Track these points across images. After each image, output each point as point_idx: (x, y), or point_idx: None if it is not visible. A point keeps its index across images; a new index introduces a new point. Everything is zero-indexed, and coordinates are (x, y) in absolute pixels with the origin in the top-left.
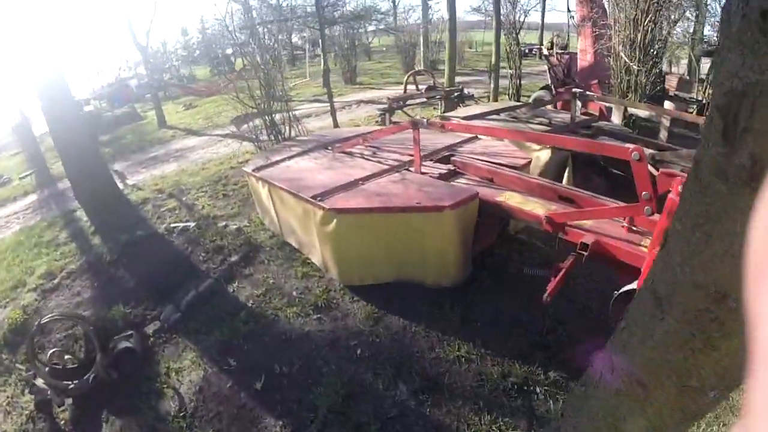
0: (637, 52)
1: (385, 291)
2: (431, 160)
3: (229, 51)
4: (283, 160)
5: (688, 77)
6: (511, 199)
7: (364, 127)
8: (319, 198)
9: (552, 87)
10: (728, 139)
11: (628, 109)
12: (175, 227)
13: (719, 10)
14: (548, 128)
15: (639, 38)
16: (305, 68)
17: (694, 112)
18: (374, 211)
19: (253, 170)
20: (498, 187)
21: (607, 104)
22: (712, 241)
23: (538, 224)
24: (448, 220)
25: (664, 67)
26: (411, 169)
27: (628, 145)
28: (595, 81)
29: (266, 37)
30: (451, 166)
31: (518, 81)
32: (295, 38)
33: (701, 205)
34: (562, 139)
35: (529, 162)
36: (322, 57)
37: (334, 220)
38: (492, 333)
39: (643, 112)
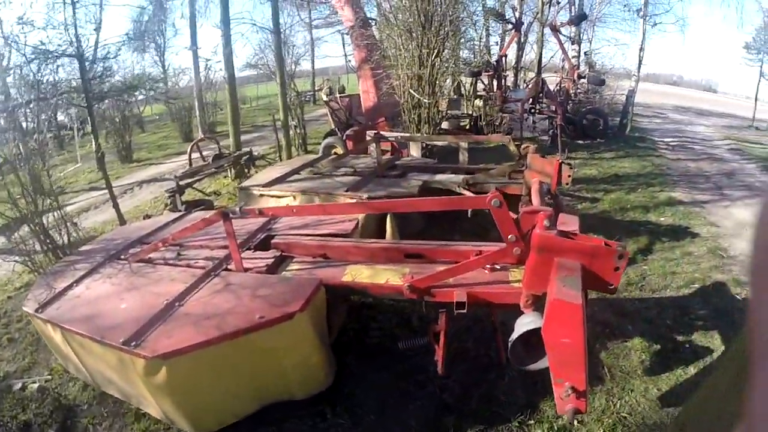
0: (426, 87)
1: (251, 424)
2: (248, 248)
3: None
4: (69, 288)
5: (455, 96)
6: (359, 274)
7: (156, 218)
8: (133, 343)
9: (337, 131)
10: None
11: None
12: None
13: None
14: (357, 177)
15: (426, 74)
16: (75, 150)
17: (467, 125)
18: (211, 344)
19: (37, 310)
20: (337, 262)
21: (403, 141)
22: None
23: (399, 294)
24: (300, 325)
25: None
26: (230, 267)
27: (483, 196)
28: (382, 119)
29: (26, 121)
30: (275, 252)
31: (303, 131)
32: (60, 116)
33: None
34: (418, 202)
35: (358, 222)
36: (93, 138)
37: (163, 369)
38: (391, 417)
39: (440, 142)
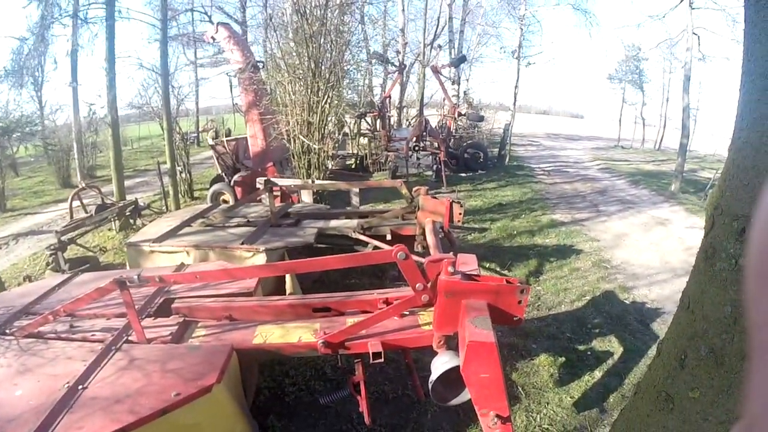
0: (316, 133)
1: None
2: (147, 315)
3: None
4: None
5: (339, 136)
6: (270, 335)
7: (40, 282)
8: None
9: (224, 176)
10: None
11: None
12: None
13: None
14: (251, 228)
15: (315, 120)
16: None
17: (353, 164)
18: (128, 430)
19: None
20: (244, 323)
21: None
22: None
23: (314, 351)
24: (219, 396)
25: None
26: (132, 338)
27: (388, 250)
28: (270, 164)
29: None
30: (177, 317)
31: (189, 176)
32: None
33: None
34: (323, 261)
35: (259, 279)
36: None
37: None
38: None
39: (330, 187)
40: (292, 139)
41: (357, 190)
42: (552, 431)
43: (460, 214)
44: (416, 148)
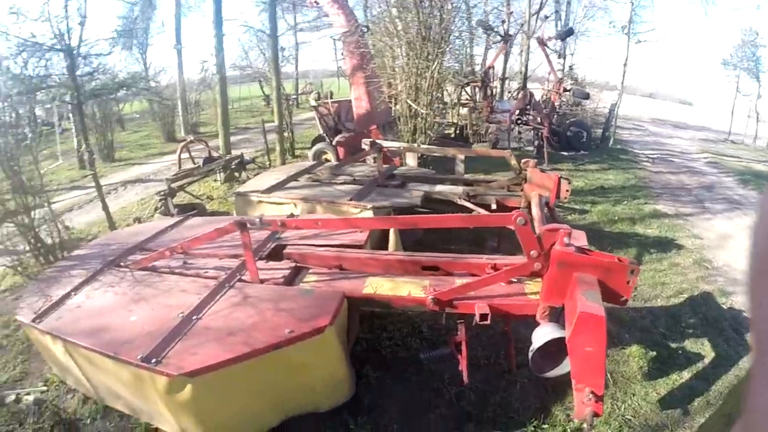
0: (424, 98)
1: None
2: (260, 258)
3: None
4: (68, 296)
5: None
6: (380, 286)
7: (151, 223)
8: (153, 360)
9: (325, 136)
10: None
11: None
12: None
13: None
14: (357, 186)
15: (424, 85)
16: (55, 147)
17: (453, 134)
18: (240, 361)
19: (34, 320)
20: (354, 274)
21: (403, 151)
22: None
23: (421, 306)
24: (330, 338)
25: None
26: (245, 277)
27: (508, 215)
28: (374, 126)
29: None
30: (289, 262)
31: (291, 135)
32: (38, 111)
33: None
34: (442, 218)
35: (370, 233)
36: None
37: (189, 387)
38: (413, 427)
39: (439, 153)
40: (398, 103)
41: (462, 157)
42: (634, 423)
43: (567, 191)
44: (519, 121)
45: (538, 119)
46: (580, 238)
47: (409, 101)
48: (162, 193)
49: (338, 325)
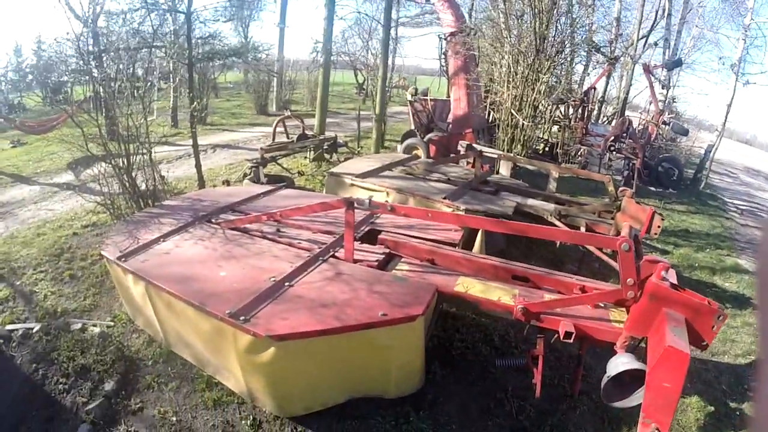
0: (526, 109)
1: (335, 415)
2: (354, 240)
3: (65, 78)
4: (156, 241)
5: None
6: (471, 287)
7: (243, 187)
8: (242, 317)
9: (416, 132)
10: None
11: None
12: (12, 331)
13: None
14: (452, 186)
15: (530, 96)
16: (152, 103)
17: (542, 150)
18: (329, 333)
19: (119, 258)
20: (445, 270)
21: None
22: None
23: (508, 314)
24: (419, 328)
25: None
26: (338, 254)
27: (614, 238)
28: (469, 130)
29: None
30: (382, 248)
31: (384, 125)
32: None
33: None
34: (550, 231)
35: (464, 233)
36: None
37: (272, 349)
38: (471, 430)
39: (533, 167)
40: (500, 111)
41: (557, 174)
42: None
43: (659, 227)
44: (612, 148)
45: (633, 148)
46: (672, 276)
47: (513, 110)
48: (254, 161)
49: (426, 317)
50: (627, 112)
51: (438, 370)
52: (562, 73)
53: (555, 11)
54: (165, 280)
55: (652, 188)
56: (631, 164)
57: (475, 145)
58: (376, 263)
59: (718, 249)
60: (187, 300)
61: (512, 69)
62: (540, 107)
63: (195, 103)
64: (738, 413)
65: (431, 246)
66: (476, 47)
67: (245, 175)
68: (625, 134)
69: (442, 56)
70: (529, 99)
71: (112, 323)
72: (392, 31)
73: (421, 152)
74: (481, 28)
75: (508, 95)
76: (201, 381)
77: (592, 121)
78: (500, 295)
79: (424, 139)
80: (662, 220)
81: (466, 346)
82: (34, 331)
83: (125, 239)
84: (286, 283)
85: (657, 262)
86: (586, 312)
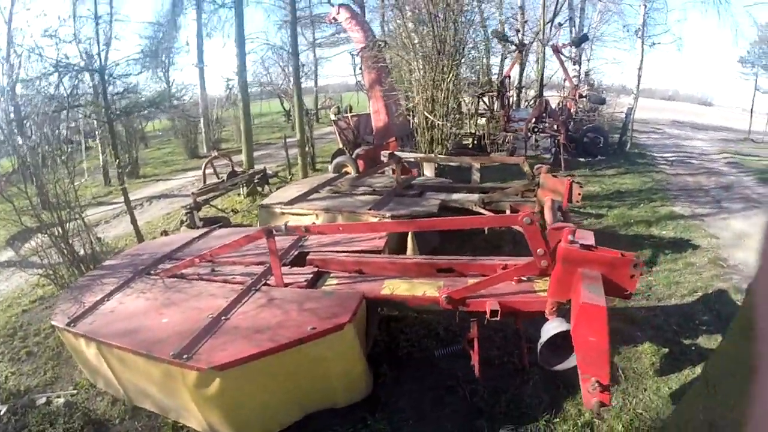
0: (440, 109)
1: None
2: (284, 264)
3: None
4: (101, 302)
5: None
6: (397, 288)
7: (179, 234)
8: (185, 356)
9: (345, 150)
10: None
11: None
12: None
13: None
14: (377, 196)
15: (440, 97)
16: (82, 164)
17: (471, 144)
18: (266, 355)
19: (68, 324)
20: (373, 277)
21: (421, 161)
22: None
23: (435, 305)
24: (349, 335)
25: None
26: (270, 282)
27: (515, 215)
28: (393, 139)
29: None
30: (311, 268)
31: (312, 149)
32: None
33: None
34: (456, 220)
35: (388, 239)
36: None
37: (218, 380)
38: (428, 422)
39: (454, 162)
40: (416, 116)
41: (478, 165)
42: (645, 417)
43: (579, 194)
44: (535, 129)
45: (555, 126)
46: (588, 238)
47: (425, 113)
48: (188, 206)
49: (357, 324)
50: (547, 93)
51: (388, 372)
52: (479, 67)
53: (450, 13)
54: (113, 337)
55: (581, 159)
56: (556, 141)
57: (397, 152)
58: (306, 283)
59: (652, 202)
60: (135, 351)
61: (419, 73)
62: (452, 105)
63: (119, 159)
64: (693, 348)
65: (357, 257)
66: (387, 58)
67: (182, 222)
68: (544, 114)
69: (359, 72)
70: (439, 99)
71: (75, 391)
72: (311, 54)
73: (351, 169)
74: (386, 39)
75: (419, 99)
76: (167, 428)
77: (514, 108)
78: (425, 289)
79: (353, 156)
80: (581, 186)
81: (412, 344)
82: (2, 413)
83: (72, 306)
84: (223, 318)
85: (563, 228)
86: (511, 288)
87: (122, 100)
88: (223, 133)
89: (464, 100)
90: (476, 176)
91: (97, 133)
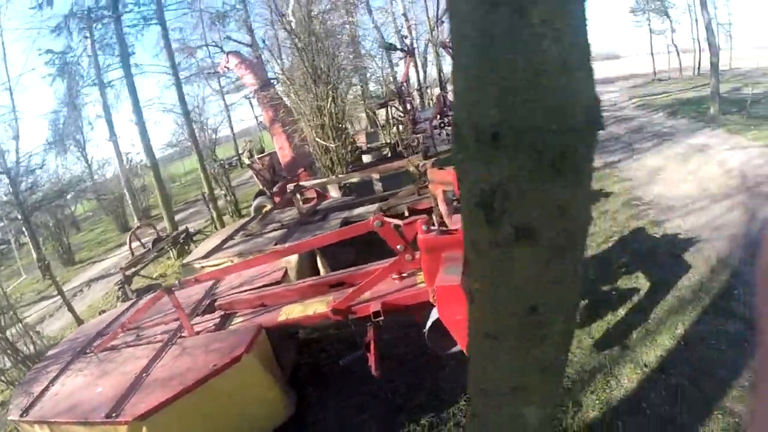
0: (330, 132)
1: None
2: (197, 315)
3: None
4: (46, 389)
5: (372, 129)
6: (291, 312)
7: (111, 310)
8: (114, 414)
9: (265, 190)
10: (492, 222)
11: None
12: None
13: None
14: (285, 230)
15: (327, 121)
16: (15, 263)
17: (388, 153)
18: (177, 397)
19: (21, 415)
20: (274, 307)
21: (320, 185)
22: (504, 286)
23: (327, 320)
24: (248, 365)
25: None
26: (184, 334)
27: (367, 220)
28: (302, 170)
29: None
30: (220, 312)
31: (233, 197)
32: None
33: (486, 268)
34: (309, 242)
35: (285, 269)
36: (34, 249)
37: (144, 429)
38: (351, 429)
39: (354, 179)
40: (311, 143)
41: (377, 176)
42: (569, 372)
43: None
44: (441, 125)
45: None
46: (457, 222)
47: (317, 139)
48: (119, 282)
49: (259, 353)
50: (450, 87)
51: (312, 393)
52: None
53: (313, 43)
54: (58, 415)
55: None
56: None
57: (302, 182)
58: (214, 327)
59: None
60: (76, 421)
61: (303, 104)
62: (343, 126)
63: (41, 253)
64: (613, 292)
65: (258, 292)
66: (278, 95)
67: (117, 298)
68: (445, 108)
69: (260, 114)
70: (326, 123)
71: None
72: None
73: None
74: (278, 77)
75: (309, 128)
76: None
77: (419, 109)
78: (316, 307)
79: (269, 195)
80: None
81: (333, 360)
82: None
83: (23, 398)
84: (144, 374)
85: (415, 221)
86: (395, 286)
87: (33, 195)
88: (150, 200)
89: (375, 113)
90: (378, 186)
91: (23, 229)
